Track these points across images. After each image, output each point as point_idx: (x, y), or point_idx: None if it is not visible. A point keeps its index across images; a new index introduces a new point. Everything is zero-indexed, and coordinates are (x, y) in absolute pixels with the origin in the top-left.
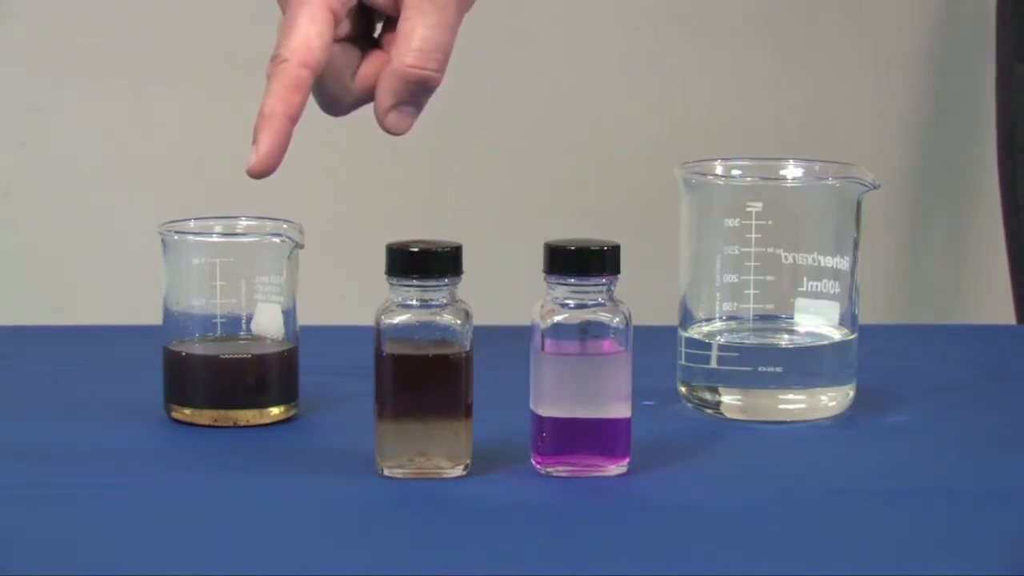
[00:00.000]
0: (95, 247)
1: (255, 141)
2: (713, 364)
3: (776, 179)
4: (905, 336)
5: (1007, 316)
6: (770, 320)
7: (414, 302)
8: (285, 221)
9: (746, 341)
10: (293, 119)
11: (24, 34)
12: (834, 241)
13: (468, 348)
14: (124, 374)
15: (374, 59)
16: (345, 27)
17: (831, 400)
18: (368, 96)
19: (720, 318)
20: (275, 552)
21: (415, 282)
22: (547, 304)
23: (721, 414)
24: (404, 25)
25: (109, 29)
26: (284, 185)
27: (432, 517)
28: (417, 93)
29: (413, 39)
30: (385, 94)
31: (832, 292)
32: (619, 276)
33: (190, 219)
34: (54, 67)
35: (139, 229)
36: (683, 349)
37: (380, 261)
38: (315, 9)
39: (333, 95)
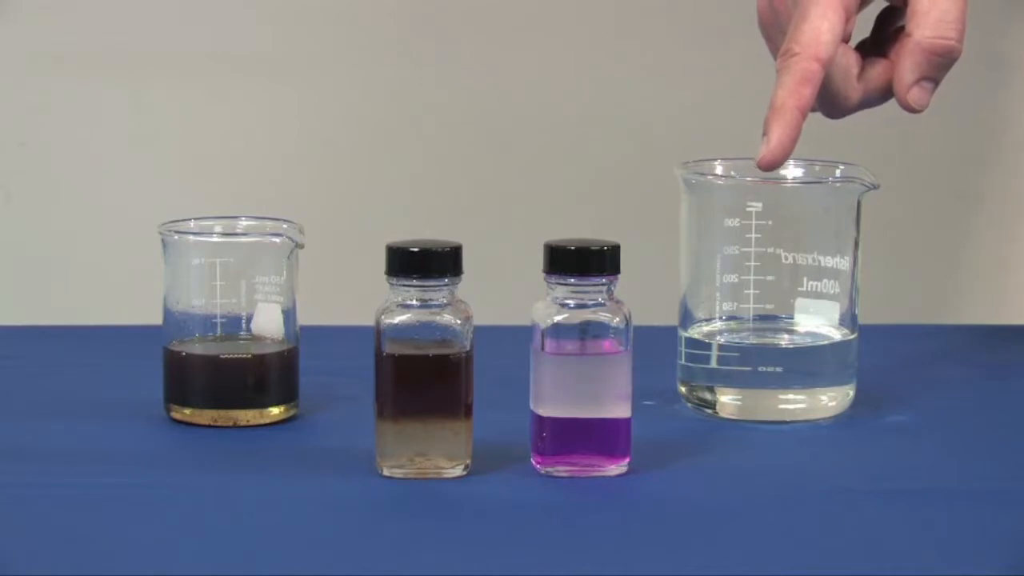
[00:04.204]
0: (95, 247)
1: (765, 133)
2: (713, 364)
3: (776, 179)
4: (905, 336)
5: (1007, 316)
6: (770, 320)
7: (414, 302)
8: (285, 221)
9: (746, 341)
10: (804, 112)
11: (24, 34)
12: (834, 241)
13: (468, 348)
14: (124, 374)
15: (881, 63)
16: (853, 25)
17: (831, 400)
18: (873, 98)
19: (720, 318)
20: (275, 552)
21: (415, 282)
22: (547, 304)
23: (720, 414)
24: (920, 1)
25: (109, 29)
26: (284, 185)
27: (432, 517)
28: (938, 66)
29: (932, 12)
30: (907, 70)
31: (832, 292)
32: (619, 276)
33: (190, 219)
34: (54, 67)
35: (139, 229)
36: (683, 349)
37: (380, 261)
38: (827, 4)
39: (838, 92)
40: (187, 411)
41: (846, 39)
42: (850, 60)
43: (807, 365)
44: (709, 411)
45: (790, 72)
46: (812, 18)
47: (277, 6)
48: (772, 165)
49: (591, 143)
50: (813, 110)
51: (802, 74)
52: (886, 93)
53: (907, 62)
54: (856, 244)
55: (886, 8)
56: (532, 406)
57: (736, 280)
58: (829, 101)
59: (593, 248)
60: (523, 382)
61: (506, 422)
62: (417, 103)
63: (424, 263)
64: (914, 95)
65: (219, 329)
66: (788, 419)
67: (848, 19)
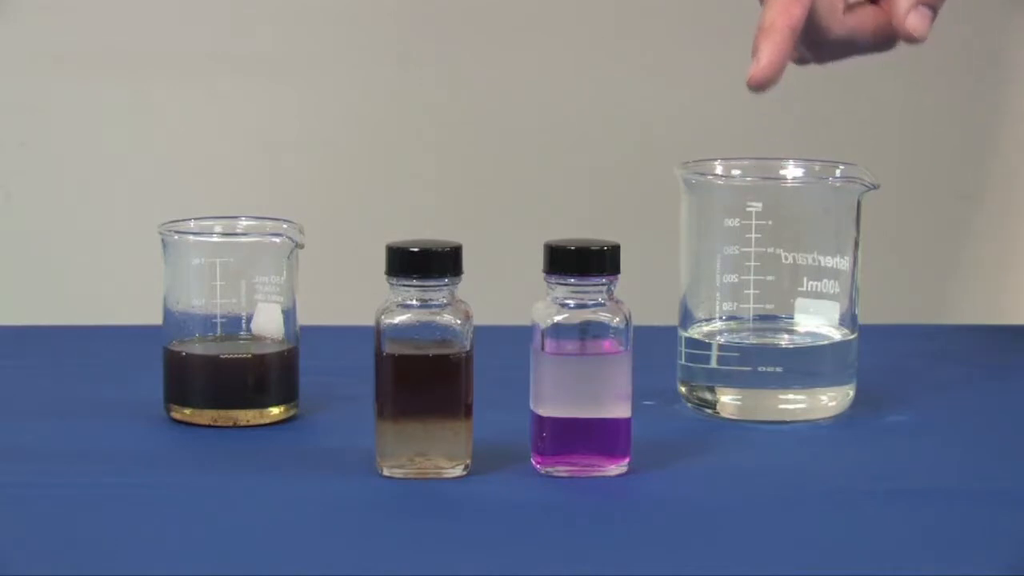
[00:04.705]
0: (95, 247)
1: (755, 53)
2: (713, 364)
3: (776, 179)
4: (905, 336)
5: (1007, 316)
6: (770, 320)
7: (414, 302)
8: (285, 221)
9: (746, 341)
10: (794, 31)
11: (24, 34)
12: (834, 241)
13: (468, 348)
14: (124, 374)
15: (872, 7)
16: None
17: (831, 400)
18: (862, 40)
19: (720, 318)
20: (275, 552)
21: (415, 282)
22: (547, 304)
23: (720, 414)
24: None
25: (109, 29)
26: (284, 185)
27: (432, 517)
28: None
29: None
30: None
31: (832, 292)
32: (619, 276)
33: (190, 219)
34: (54, 67)
35: (139, 229)
36: (683, 349)
37: (380, 261)
38: None
39: (819, 23)
40: (187, 411)
41: None
42: None
43: (807, 365)
44: (709, 411)
45: None
46: None
47: (277, 6)
48: (763, 83)
49: (591, 143)
50: (799, 60)
51: None
52: (877, 35)
53: None
54: (856, 244)
55: None
56: (532, 406)
57: (736, 280)
58: (812, 33)
59: (593, 248)
60: (523, 382)
61: (506, 422)
62: (417, 103)
63: (424, 263)
64: (912, 21)
65: (219, 329)
66: (788, 419)
67: None
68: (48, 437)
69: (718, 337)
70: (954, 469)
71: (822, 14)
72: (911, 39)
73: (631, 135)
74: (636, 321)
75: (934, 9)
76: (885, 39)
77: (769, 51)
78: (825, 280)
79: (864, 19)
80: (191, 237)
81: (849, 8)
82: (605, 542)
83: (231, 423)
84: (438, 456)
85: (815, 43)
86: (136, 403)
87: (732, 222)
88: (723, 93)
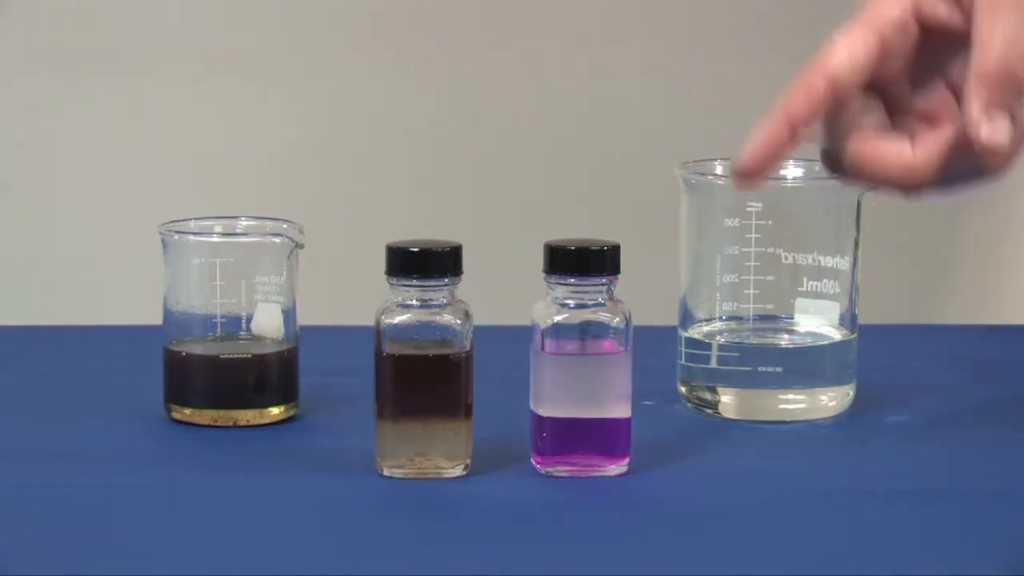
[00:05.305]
0: (95, 247)
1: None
2: (713, 364)
3: (776, 179)
4: (905, 336)
5: (1005, 316)
6: (770, 320)
7: (414, 302)
8: (285, 221)
9: (746, 341)
10: (791, 124)
11: (24, 34)
12: (834, 241)
13: (468, 348)
14: (124, 374)
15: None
16: (897, 64)
17: (831, 400)
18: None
19: (720, 318)
20: (275, 552)
21: (415, 282)
22: (547, 304)
23: (720, 414)
24: (981, 28)
25: (109, 29)
26: (284, 185)
27: (432, 517)
28: (1006, 93)
29: (994, 36)
30: (972, 101)
31: (832, 292)
32: (619, 276)
33: (190, 219)
34: (54, 67)
35: (139, 229)
36: (683, 349)
37: (380, 261)
38: (856, 27)
39: (838, 132)
40: (187, 411)
41: (885, 75)
42: (874, 114)
43: (807, 365)
44: (709, 411)
45: (794, 84)
46: (835, 38)
47: (277, 7)
48: (743, 171)
49: (591, 143)
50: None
51: (803, 85)
52: (952, 158)
53: (971, 96)
54: (856, 244)
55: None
56: (532, 406)
57: (736, 280)
58: (831, 139)
59: (593, 248)
60: (523, 382)
61: (506, 422)
62: (417, 103)
63: (424, 263)
64: (986, 132)
65: (219, 329)
66: (788, 419)
67: (885, 49)
68: (48, 437)
69: (718, 337)
70: (954, 469)
71: (843, 122)
72: (990, 151)
73: (631, 135)
74: (636, 321)
75: (1009, 111)
76: (970, 161)
77: (755, 138)
78: (825, 280)
79: (894, 149)
80: (191, 237)
81: (874, 133)
82: (605, 542)
83: (231, 423)
84: (438, 456)
85: (832, 154)
86: (136, 403)
87: (732, 222)
88: (723, 93)
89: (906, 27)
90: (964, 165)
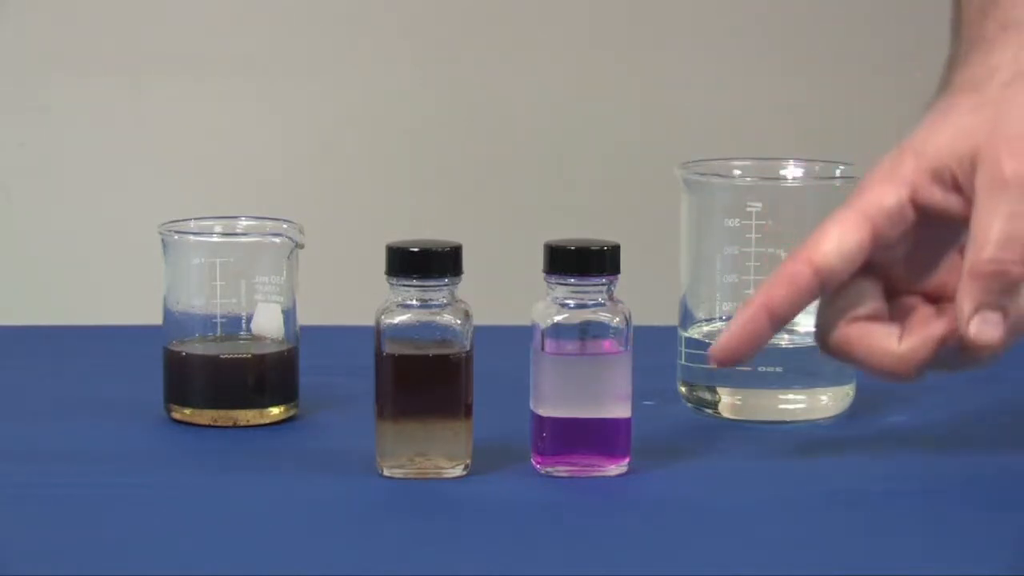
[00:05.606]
0: (95, 247)
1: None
2: (713, 364)
3: (776, 179)
4: None
5: None
6: None
7: (414, 302)
8: (285, 221)
9: None
10: (770, 312)
11: (24, 34)
12: None
13: (468, 348)
14: (124, 374)
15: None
16: (895, 250)
17: (831, 400)
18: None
19: (720, 318)
20: (275, 552)
21: (415, 282)
22: (547, 304)
23: (720, 414)
24: (978, 221)
25: (109, 29)
26: (284, 185)
27: (432, 517)
28: (999, 291)
29: (991, 231)
30: (964, 299)
31: None
32: (619, 276)
33: (190, 219)
34: (54, 67)
35: (139, 229)
36: (683, 349)
37: (380, 261)
38: (849, 214)
39: (831, 314)
40: (187, 411)
41: (883, 260)
42: (871, 303)
43: (807, 365)
44: (709, 411)
45: (777, 271)
46: (825, 226)
47: (278, 7)
48: (719, 359)
49: (591, 143)
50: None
51: (785, 273)
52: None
53: (964, 291)
54: None
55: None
56: (532, 406)
57: (736, 280)
58: (820, 327)
59: (593, 248)
60: (523, 382)
61: (506, 422)
62: (417, 103)
63: (424, 263)
64: (975, 328)
65: (219, 329)
66: (788, 419)
67: (877, 239)
68: (48, 437)
69: (718, 337)
70: (954, 469)
71: (838, 309)
72: (979, 348)
73: (631, 135)
74: (636, 321)
75: (1002, 309)
76: (953, 353)
77: (731, 327)
78: None
79: (882, 339)
80: (191, 237)
81: (866, 319)
82: (605, 542)
83: (231, 423)
84: (438, 456)
85: (822, 340)
86: (136, 403)
87: (732, 222)
88: (723, 93)
89: (902, 214)
90: (954, 354)
